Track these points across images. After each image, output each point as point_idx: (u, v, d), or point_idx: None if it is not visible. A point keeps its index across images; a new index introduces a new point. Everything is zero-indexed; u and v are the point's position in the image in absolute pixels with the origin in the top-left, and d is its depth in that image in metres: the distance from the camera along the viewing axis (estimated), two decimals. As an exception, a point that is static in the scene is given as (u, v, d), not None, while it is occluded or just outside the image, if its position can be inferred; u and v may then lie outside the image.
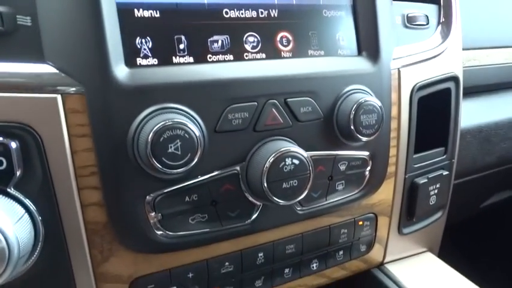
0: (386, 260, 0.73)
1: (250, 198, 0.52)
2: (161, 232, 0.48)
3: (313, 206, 0.57)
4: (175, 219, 0.49)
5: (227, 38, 0.50)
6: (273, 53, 0.53)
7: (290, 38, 0.53)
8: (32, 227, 0.42)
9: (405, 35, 0.65)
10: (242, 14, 0.51)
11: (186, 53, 0.48)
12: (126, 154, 0.44)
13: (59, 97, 0.43)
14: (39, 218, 0.43)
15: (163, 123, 0.42)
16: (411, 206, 0.70)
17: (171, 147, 0.43)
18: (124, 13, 0.44)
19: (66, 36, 0.42)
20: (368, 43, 0.58)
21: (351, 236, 0.65)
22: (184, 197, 0.48)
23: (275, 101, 0.51)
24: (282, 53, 0.53)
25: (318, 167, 0.55)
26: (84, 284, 0.48)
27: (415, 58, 0.65)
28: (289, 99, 0.51)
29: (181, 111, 0.45)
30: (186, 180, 0.48)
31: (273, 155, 0.48)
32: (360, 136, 0.54)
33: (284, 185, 0.49)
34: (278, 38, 0.53)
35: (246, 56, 0.51)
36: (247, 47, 0.51)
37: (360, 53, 0.58)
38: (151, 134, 0.42)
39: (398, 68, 0.63)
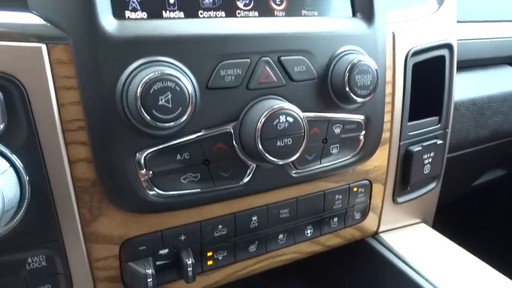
0: (380, 230, 0.72)
1: (244, 158, 0.51)
2: (152, 192, 0.47)
3: (308, 170, 0.56)
4: (166, 178, 0.47)
5: (219, -7, 0.48)
6: (265, 11, 0.51)
7: (283, -5, 0.52)
8: (17, 182, 0.41)
9: (400, 0, 0.65)
10: (234, -31, 0.49)
11: (176, 7, 0.47)
12: (115, 108, 0.43)
13: (43, 47, 0.41)
14: (24, 173, 0.41)
15: (153, 74, 0.41)
16: (405, 174, 0.70)
17: (161, 99, 0.42)
18: (112, -38, 0.43)
19: (50, -17, 0.41)
20: (362, 4, 0.57)
21: (345, 203, 0.64)
22: (175, 155, 0.47)
23: (268, 58, 0.50)
24: (275, 11, 0.52)
25: (313, 129, 0.54)
26: (73, 245, 0.47)
27: (410, 23, 0.65)
28: (282, 57, 0.50)
29: (172, 65, 0.44)
30: (178, 137, 0.46)
31: (267, 111, 0.47)
32: (354, 97, 0.53)
33: (278, 143, 0.48)
34: (271, -4, 0.52)
35: (238, 13, 0.50)
36: (239, 4, 0.50)
37: (354, 14, 0.57)
38: (141, 85, 0.41)
39: (393, 32, 0.63)
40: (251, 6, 0.51)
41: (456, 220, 1.26)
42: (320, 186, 0.61)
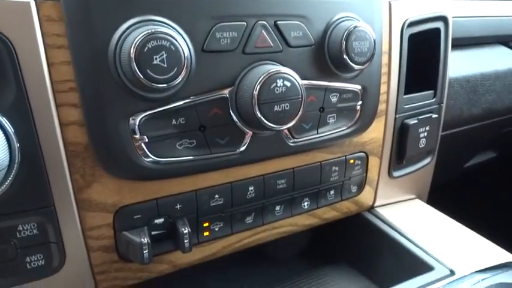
0: (376, 204, 0.72)
1: (240, 126, 0.49)
2: (147, 158, 0.46)
3: (305, 139, 0.55)
4: (161, 144, 0.46)
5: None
6: (262, -26, 0.50)
7: (279, -40, 0.51)
8: (6, 143, 0.39)
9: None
10: None
11: (170, -34, 0.45)
12: (107, 68, 0.41)
13: (32, 2, 0.39)
14: (14, 135, 0.40)
15: (147, 32, 0.40)
16: (401, 148, 0.70)
17: (156, 58, 0.40)
18: None
19: None
20: (359, -28, 0.56)
21: (342, 175, 0.63)
22: (171, 119, 0.46)
23: (265, 22, 0.49)
24: (272, -25, 0.51)
25: (309, 97, 0.53)
26: (65, 212, 0.45)
27: (406, -7, 0.64)
28: (279, 22, 0.49)
29: (166, 25, 0.43)
30: (173, 101, 0.45)
31: (264, 75, 0.46)
32: (352, 64, 0.53)
33: (276, 108, 0.47)
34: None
35: None
36: (236, -35, 0.48)
37: (351, -19, 0.56)
38: (135, 42, 0.39)
39: (389, 1, 0.62)
40: (248, -32, 0.49)
41: (449, 200, 1.28)
42: (317, 157, 0.60)
